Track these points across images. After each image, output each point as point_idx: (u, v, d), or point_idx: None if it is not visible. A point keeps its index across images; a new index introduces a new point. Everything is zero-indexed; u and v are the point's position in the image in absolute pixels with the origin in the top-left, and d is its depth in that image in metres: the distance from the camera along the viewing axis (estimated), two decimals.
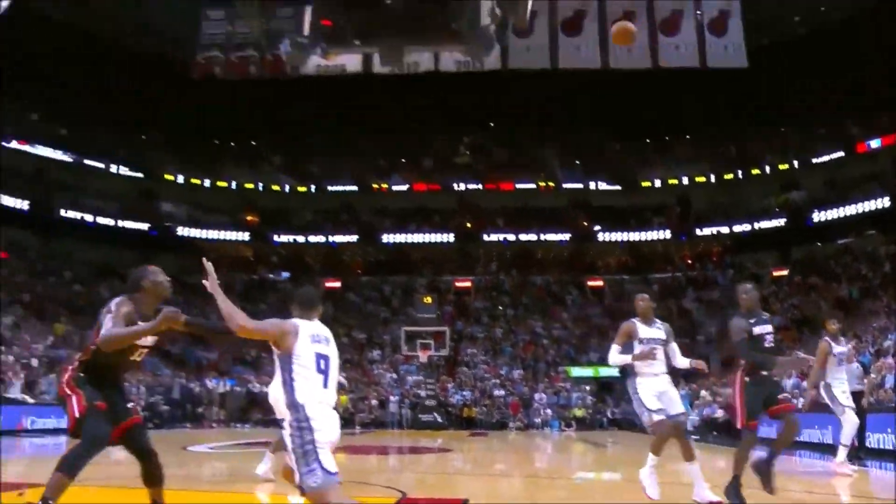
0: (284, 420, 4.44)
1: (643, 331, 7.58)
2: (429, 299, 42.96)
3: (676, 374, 8.17)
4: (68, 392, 5.24)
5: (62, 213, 40.80)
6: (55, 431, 19.84)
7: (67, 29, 33.05)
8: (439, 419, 31.86)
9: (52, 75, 35.04)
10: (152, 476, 5.37)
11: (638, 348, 7.51)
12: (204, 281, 4.79)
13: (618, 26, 7.46)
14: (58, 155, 42.59)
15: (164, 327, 5.13)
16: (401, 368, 36.75)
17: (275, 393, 4.68)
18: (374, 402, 32.56)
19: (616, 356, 7.69)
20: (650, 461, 7.15)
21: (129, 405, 5.47)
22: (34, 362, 25.46)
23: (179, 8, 27.61)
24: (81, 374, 5.26)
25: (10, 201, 38.83)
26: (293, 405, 4.40)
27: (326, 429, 4.38)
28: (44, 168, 42.14)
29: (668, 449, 7.30)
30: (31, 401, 22.17)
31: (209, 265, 4.79)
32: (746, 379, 7.06)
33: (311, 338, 4.57)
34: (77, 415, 5.13)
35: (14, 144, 40.27)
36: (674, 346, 7.67)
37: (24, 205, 39.31)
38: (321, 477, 4.22)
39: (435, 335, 36.71)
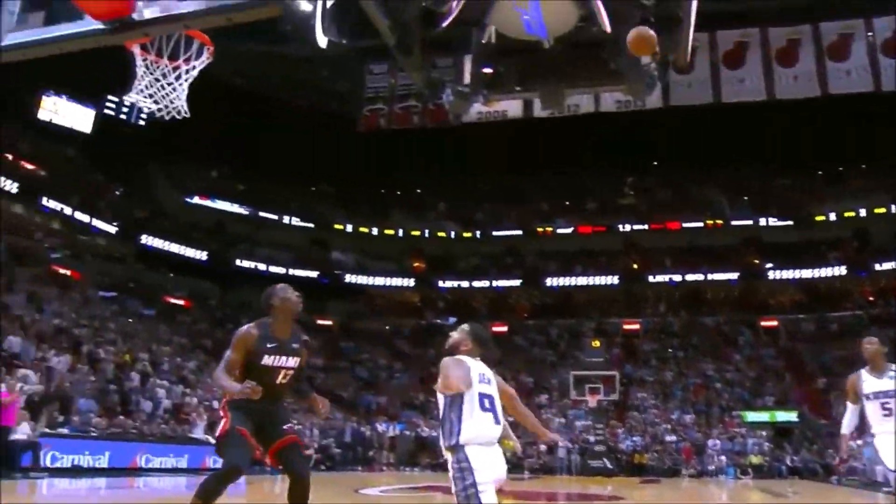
0: (448, 462, 4.43)
1: (870, 383, 6.76)
2: (597, 342, 42.39)
3: None
4: (221, 414, 5.42)
5: (238, 262, 42.84)
6: None
7: (241, 92, 34.97)
8: (609, 465, 31.09)
9: (229, 136, 37.07)
10: (297, 498, 5.38)
11: (867, 405, 6.70)
12: None
13: (635, 34, 6.90)
14: (235, 208, 44.94)
15: (238, 396, 5.13)
16: (569, 413, 36.20)
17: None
18: (542, 447, 32.17)
19: (844, 422, 7.01)
20: None
21: (286, 426, 5.49)
22: (216, 404, 26.58)
23: (344, 66, 28.72)
24: (236, 399, 5.33)
25: (192, 252, 41.27)
26: (454, 447, 4.38)
27: (488, 468, 4.32)
28: (222, 221, 44.54)
29: None
30: (213, 441, 23.08)
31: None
32: None
33: (478, 377, 4.55)
34: (219, 436, 5.30)
35: (196, 200, 42.80)
36: None
37: (204, 256, 41.59)
38: None
39: (603, 379, 36.02)
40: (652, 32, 6.81)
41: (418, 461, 30.68)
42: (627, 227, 47.18)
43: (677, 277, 44.79)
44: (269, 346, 5.33)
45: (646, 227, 46.97)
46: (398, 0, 10.52)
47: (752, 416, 34.60)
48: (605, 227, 47.36)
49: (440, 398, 4.58)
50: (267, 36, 29.70)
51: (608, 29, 8.53)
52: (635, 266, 45.80)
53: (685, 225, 46.22)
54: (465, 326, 4.93)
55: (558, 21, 8.41)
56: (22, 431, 16.57)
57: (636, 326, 44.23)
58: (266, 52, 31.24)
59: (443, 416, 4.52)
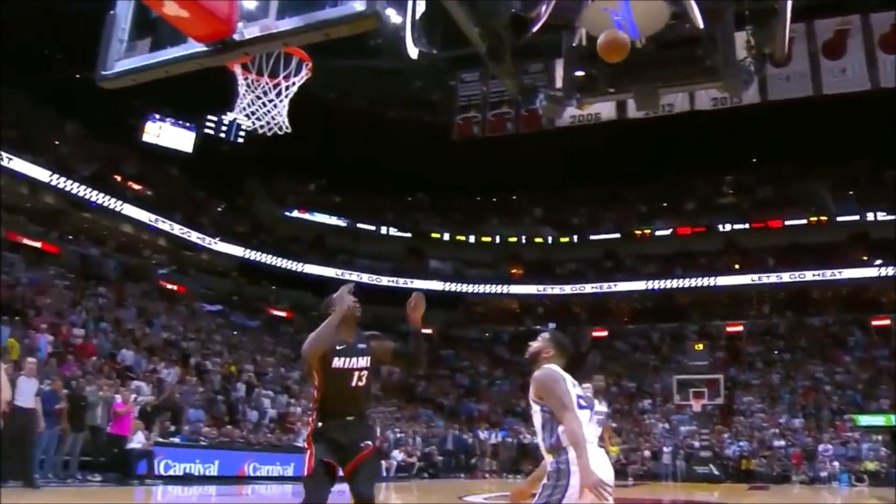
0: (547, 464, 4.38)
1: None
2: (700, 346, 41.63)
3: None
4: (306, 447, 5.43)
5: (342, 275, 43.50)
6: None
7: (335, 106, 35.57)
8: (715, 471, 30.38)
9: (325, 149, 37.76)
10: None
11: None
12: None
13: (606, 40, 6.54)
14: (333, 221, 45.67)
15: (345, 305, 5.33)
16: (673, 418, 35.61)
17: (539, 432, 4.53)
18: (646, 453, 31.73)
19: None
20: None
21: (364, 443, 5.43)
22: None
23: (435, 76, 28.98)
24: (319, 425, 5.39)
25: (292, 265, 42.06)
26: (554, 448, 4.33)
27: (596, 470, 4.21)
28: (321, 233, 45.34)
29: None
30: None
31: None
32: None
33: (570, 383, 4.50)
34: (305, 472, 5.30)
35: (295, 213, 43.68)
36: None
37: (304, 268, 42.35)
38: None
39: (707, 383, 35.37)
40: (624, 36, 6.57)
41: (521, 468, 30.55)
42: (728, 227, 46.08)
43: (783, 277, 43.42)
44: (337, 348, 5.39)
45: (747, 226, 45.79)
46: (488, 8, 10.56)
47: (865, 420, 33.23)
48: (705, 228, 46.39)
49: (535, 406, 4.54)
50: (357, 51, 30.27)
51: (701, 25, 8.39)
52: (737, 266, 44.70)
53: (788, 222, 44.80)
54: (546, 334, 4.85)
55: (650, 20, 8.32)
56: (137, 441, 17.21)
57: (739, 328, 43.17)
58: (357, 66, 31.74)
59: (542, 421, 4.47)
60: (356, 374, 5.45)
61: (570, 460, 4.23)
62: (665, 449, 31.72)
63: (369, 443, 5.46)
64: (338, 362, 5.40)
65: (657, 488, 26.09)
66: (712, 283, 43.99)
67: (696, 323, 44.22)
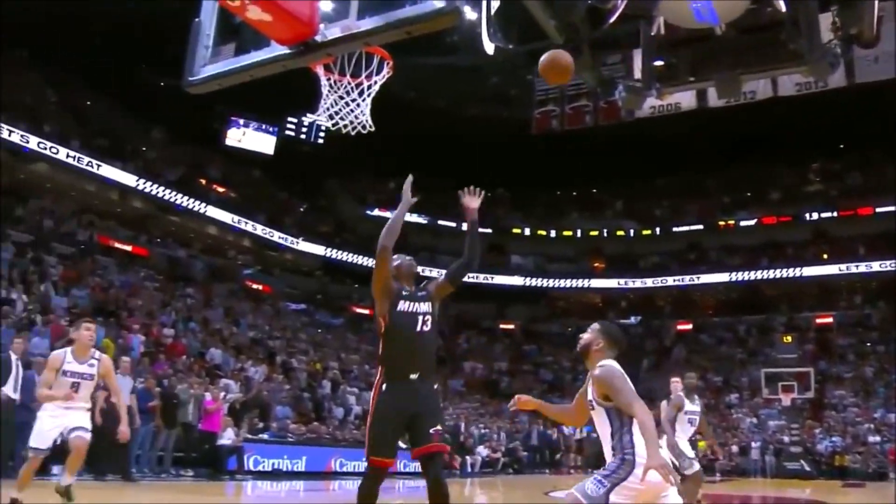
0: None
1: None
2: (788, 338, 40.71)
3: None
4: (373, 396, 5.74)
5: (423, 272, 43.68)
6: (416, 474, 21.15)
7: (414, 105, 35.74)
8: (806, 467, 29.65)
9: (404, 148, 37.97)
10: (437, 499, 5.52)
11: None
12: None
13: (546, 62, 6.21)
14: (414, 218, 45.91)
15: (410, 190, 5.91)
16: (761, 413, 34.88)
17: (603, 433, 4.50)
18: (734, 448, 31.15)
19: None
20: None
21: (433, 430, 5.56)
22: None
23: (512, 71, 28.96)
24: (384, 388, 5.63)
25: (374, 263, 42.34)
26: (623, 451, 4.28)
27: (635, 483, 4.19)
28: (403, 231, 45.50)
29: None
30: (402, 445, 23.71)
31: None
32: None
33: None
34: (365, 454, 5.59)
35: (377, 212, 44.06)
36: None
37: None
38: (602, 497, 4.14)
39: (797, 376, 34.50)
40: (568, 57, 6.36)
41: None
42: (815, 216, 44.88)
43: (874, 266, 42.03)
44: (403, 293, 5.75)
45: (835, 214, 44.53)
46: (564, 1, 10.48)
47: None
48: (791, 217, 45.27)
49: (600, 407, 4.47)
50: (434, 48, 30.38)
51: (783, 8, 8.19)
52: (826, 256, 43.50)
53: (878, 210, 43.36)
54: (597, 325, 4.79)
55: (729, 5, 8.14)
56: (227, 437, 17.61)
57: (829, 320, 42.06)
58: (434, 64, 31.87)
59: (611, 420, 4.40)
60: (420, 318, 5.72)
61: (636, 446, 4.23)
62: (753, 444, 31.11)
63: (439, 428, 5.62)
64: (403, 305, 5.71)
65: (746, 484, 25.61)
66: (800, 274, 42.85)
67: (783, 315, 43.23)
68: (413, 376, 5.59)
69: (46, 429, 7.59)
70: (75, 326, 8.11)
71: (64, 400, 7.56)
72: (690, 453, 9.73)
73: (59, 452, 8.18)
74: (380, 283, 5.75)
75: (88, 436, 7.66)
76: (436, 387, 6.03)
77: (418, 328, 5.69)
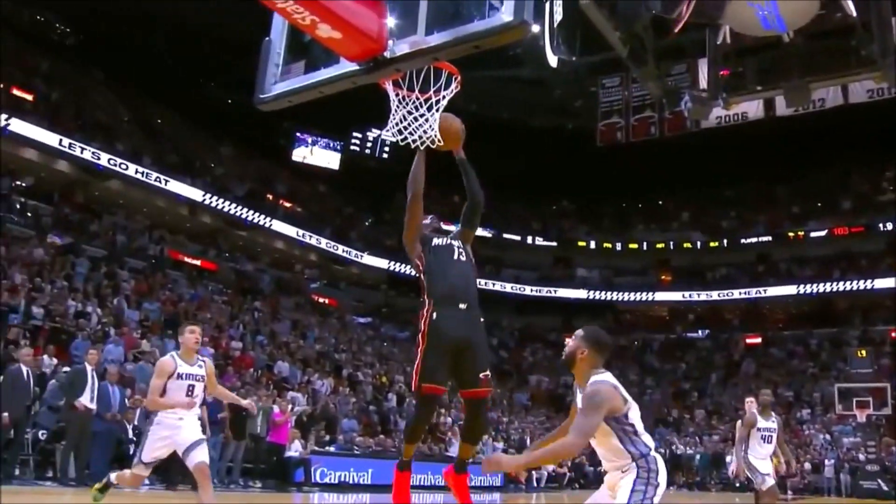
0: (627, 474, 4.29)
1: None
2: (862, 352, 39.66)
3: None
4: (420, 342, 5.82)
5: (487, 285, 43.66)
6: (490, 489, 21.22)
7: (477, 118, 35.75)
8: (884, 487, 28.71)
9: (470, 161, 38.06)
10: (470, 434, 5.99)
11: None
12: None
13: (444, 125, 5.92)
14: (479, 231, 45.87)
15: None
16: (834, 429, 34.01)
17: (610, 446, 4.41)
18: (807, 465, 30.41)
19: None
20: None
21: (482, 374, 5.75)
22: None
23: (576, 83, 28.87)
24: (434, 316, 5.76)
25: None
26: (643, 455, 4.28)
27: (664, 481, 4.26)
28: None
29: None
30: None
31: None
32: None
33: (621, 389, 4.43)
34: (413, 385, 5.79)
35: (441, 225, 44.19)
36: None
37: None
38: None
39: (872, 391, 33.56)
40: (458, 123, 6.23)
41: (673, 479, 29.87)
42: (889, 226, 43.68)
43: None
44: (435, 234, 6.35)
45: None
46: (628, 11, 10.44)
47: None
48: (864, 227, 44.09)
49: (605, 426, 4.36)
50: (499, 61, 30.43)
51: (854, 13, 8.05)
52: None
53: None
54: (580, 332, 4.65)
55: (797, 12, 8.03)
56: (294, 449, 17.83)
57: None
58: (498, 76, 31.92)
59: (617, 433, 4.35)
60: (456, 249, 6.09)
61: (654, 457, 4.28)
62: (827, 462, 30.29)
63: (488, 373, 5.83)
64: (437, 240, 6.16)
65: (820, 503, 25.00)
66: (873, 286, 41.73)
67: (857, 328, 42.11)
68: (462, 305, 5.78)
69: (159, 444, 7.30)
70: (179, 331, 8.10)
71: (186, 407, 7.26)
72: (765, 469, 9.67)
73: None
74: (412, 231, 6.16)
75: (207, 454, 7.33)
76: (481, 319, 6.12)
77: (456, 256, 6.02)
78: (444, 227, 6.78)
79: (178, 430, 7.21)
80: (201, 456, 7.17)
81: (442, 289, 5.80)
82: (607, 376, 4.41)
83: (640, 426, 4.39)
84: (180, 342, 7.67)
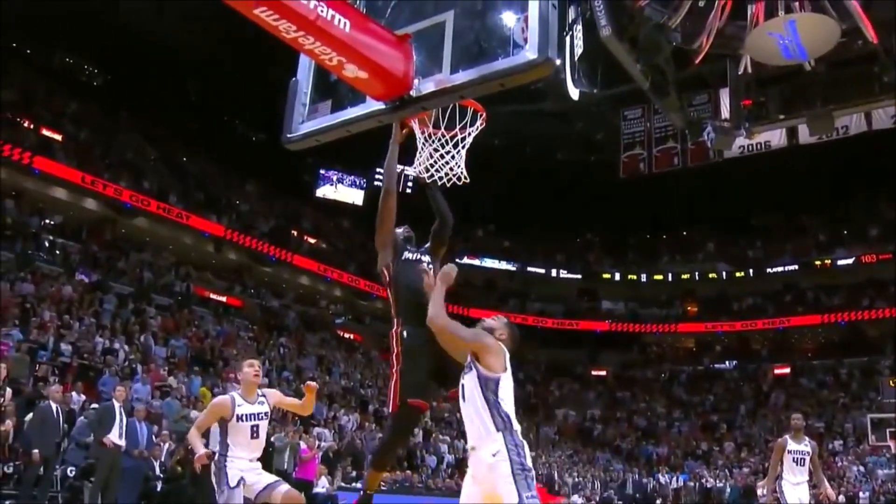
0: (489, 445, 4.28)
1: None
2: (895, 381, 39.15)
3: None
4: (393, 363, 5.75)
5: (512, 318, 43.50)
6: None
7: (499, 152, 35.91)
8: None
9: (491, 194, 38.14)
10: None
11: None
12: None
13: None
14: (503, 265, 45.93)
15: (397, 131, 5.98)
16: (868, 460, 33.47)
17: (472, 413, 4.47)
18: (841, 498, 29.90)
19: None
20: None
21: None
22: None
23: (598, 115, 28.95)
24: (405, 335, 5.76)
25: (463, 311, 42.37)
26: (507, 427, 4.29)
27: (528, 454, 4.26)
28: (492, 278, 45.65)
29: None
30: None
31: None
32: None
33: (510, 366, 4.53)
34: (390, 408, 5.73)
35: (465, 260, 44.23)
36: None
37: (474, 313, 42.69)
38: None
39: None
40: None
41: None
42: None
43: None
44: (406, 245, 6.28)
45: None
46: (649, 43, 10.49)
47: None
48: (892, 254, 43.66)
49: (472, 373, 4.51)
50: (521, 95, 30.53)
51: (875, 40, 8.05)
52: None
53: None
54: (503, 318, 4.96)
55: (818, 41, 8.03)
56: (321, 485, 17.75)
57: None
58: (519, 111, 32.02)
59: (476, 394, 4.46)
60: (426, 264, 6.04)
61: (522, 442, 4.30)
62: (862, 494, 29.80)
63: None
64: (408, 254, 6.14)
65: None
66: None
67: (888, 357, 41.54)
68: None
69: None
70: (237, 368, 7.76)
71: (250, 452, 6.90)
72: (793, 499, 9.54)
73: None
74: (385, 232, 6.13)
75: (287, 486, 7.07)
76: None
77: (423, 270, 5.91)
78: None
79: (246, 472, 6.81)
80: (285, 486, 7.05)
81: (411, 307, 5.76)
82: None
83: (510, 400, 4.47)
84: (240, 379, 7.42)
